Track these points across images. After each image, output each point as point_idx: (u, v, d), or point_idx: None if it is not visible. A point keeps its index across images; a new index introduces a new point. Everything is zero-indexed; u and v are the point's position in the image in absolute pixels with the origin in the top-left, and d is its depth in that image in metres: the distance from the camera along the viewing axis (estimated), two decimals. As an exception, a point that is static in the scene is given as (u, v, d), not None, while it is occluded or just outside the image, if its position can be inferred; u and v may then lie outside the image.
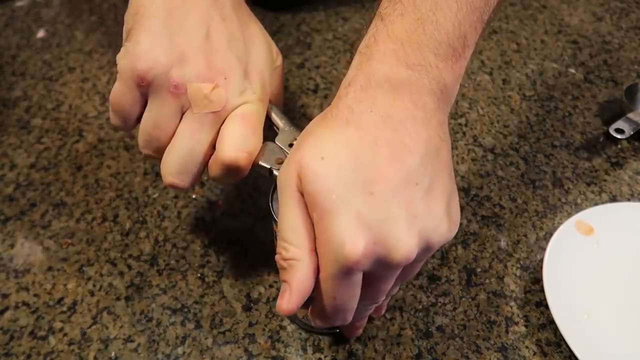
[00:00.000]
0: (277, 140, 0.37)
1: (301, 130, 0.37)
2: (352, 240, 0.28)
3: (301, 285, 0.30)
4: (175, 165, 0.36)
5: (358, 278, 0.30)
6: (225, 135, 0.35)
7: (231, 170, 0.35)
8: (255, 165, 0.36)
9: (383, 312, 0.42)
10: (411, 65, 0.31)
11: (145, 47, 0.34)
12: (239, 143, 0.35)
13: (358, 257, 0.28)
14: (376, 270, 0.30)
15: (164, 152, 0.36)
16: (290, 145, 0.37)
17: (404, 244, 0.29)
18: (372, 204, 0.29)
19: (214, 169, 0.36)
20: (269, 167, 0.36)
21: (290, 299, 0.30)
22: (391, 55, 0.31)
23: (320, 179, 0.29)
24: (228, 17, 0.37)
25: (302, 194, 0.30)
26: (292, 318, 0.43)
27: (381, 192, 0.29)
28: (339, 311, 0.32)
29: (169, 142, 0.36)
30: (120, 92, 0.36)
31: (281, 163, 0.36)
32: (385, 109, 0.30)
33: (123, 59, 0.35)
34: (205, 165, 0.37)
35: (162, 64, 0.34)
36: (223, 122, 0.36)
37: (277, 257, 0.32)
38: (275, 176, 0.35)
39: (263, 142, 0.37)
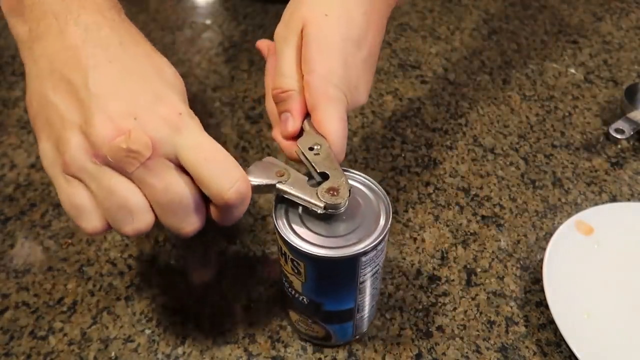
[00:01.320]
0: (299, 142, 0.37)
1: (322, 136, 0.36)
2: None
3: (301, 110, 0.37)
4: (171, 219, 0.33)
5: None
6: (207, 184, 0.32)
7: (238, 204, 0.33)
8: (259, 187, 0.35)
9: None
10: None
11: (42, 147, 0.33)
12: (225, 181, 0.32)
13: None
14: None
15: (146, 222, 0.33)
16: (310, 149, 0.36)
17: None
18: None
19: (224, 216, 0.34)
20: (274, 183, 0.35)
21: (294, 122, 0.37)
22: None
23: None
24: (115, 56, 0.34)
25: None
26: (294, 324, 0.42)
27: None
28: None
29: (143, 209, 0.32)
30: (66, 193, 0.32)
31: (282, 175, 0.35)
32: None
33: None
34: (197, 200, 0.33)
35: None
36: (181, 159, 0.32)
37: (275, 92, 0.37)
38: (277, 190, 0.35)
39: (254, 163, 0.36)
